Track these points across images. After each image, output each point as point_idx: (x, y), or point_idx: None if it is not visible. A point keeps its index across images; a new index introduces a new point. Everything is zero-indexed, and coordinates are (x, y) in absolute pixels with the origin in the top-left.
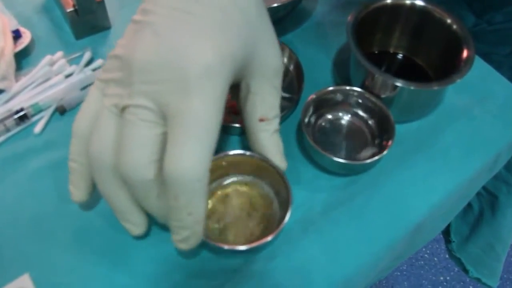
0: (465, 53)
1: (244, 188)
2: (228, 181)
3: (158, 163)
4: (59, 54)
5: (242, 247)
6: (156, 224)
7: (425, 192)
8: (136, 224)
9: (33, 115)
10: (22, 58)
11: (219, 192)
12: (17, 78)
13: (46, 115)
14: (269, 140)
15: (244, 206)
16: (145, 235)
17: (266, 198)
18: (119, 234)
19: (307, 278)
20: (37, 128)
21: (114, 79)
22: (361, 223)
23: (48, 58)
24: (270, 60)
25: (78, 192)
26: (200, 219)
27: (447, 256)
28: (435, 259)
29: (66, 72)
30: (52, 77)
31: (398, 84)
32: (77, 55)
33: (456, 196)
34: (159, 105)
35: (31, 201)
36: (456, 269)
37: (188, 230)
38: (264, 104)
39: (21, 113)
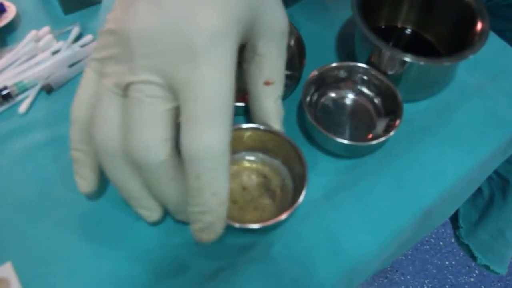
0: (479, 26)
1: (255, 165)
2: (238, 156)
3: (170, 141)
4: (46, 29)
5: (255, 226)
6: None
7: (434, 176)
8: (152, 209)
9: (17, 94)
10: (6, 34)
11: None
12: (0, 56)
13: (31, 94)
14: (273, 106)
15: (256, 183)
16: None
17: (279, 175)
18: (107, 221)
19: (308, 267)
20: (22, 108)
21: (111, 56)
22: (365, 209)
23: (33, 33)
24: (277, 21)
25: (85, 182)
26: (225, 199)
27: (452, 240)
28: (441, 243)
29: (53, 48)
30: (38, 53)
31: (407, 59)
32: (64, 30)
33: (467, 180)
34: (166, 78)
35: (14, 186)
36: (461, 253)
37: (212, 214)
38: (271, 67)
39: (5, 92)
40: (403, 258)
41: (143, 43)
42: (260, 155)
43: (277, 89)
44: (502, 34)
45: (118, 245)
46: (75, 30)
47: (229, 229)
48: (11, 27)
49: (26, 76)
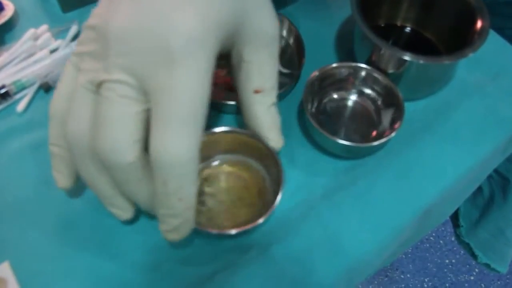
0: (479, 24)
1: (233, 169)
2: (216, 161)
3: (139, 143)
4: (44, 27)
5: (232, 231)
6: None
7: (434, 175)
8: (123, 208)
9: (15, 93)
10: (4, 33)
11: (206, 173)
12: None
13: (29, 92)
14: (266, 114)
15: (234, 187)
16: (133, 219)
17: (258, 179)
18: (104, 220)
19: (307, 267)
20: (20, 107)
21: (89, 52)
22: (365, 208)
23: (31, 31)
24: (264, 25)
25: (62, 178)
26: (191, 204)
27: (452, 239)
28: (441, 241)
29: (51, 47)
30: (36, 52)
31: (407, 58)
32: (63, 28)
33: (467, 179)
34: (139, 80)
35: (11, 185)
36: (461, 252)
37: (179, 218)
38: (260, 74)
39: (3, 91)
40: (403, 256)
41: (120, 41)
42: (239, 158)
43: (269, 96)
44: (501, 32)
45: (116, 246)
46: (74, 28)
47: (208, 235)
48: (9, 25)
49: (24, 75)
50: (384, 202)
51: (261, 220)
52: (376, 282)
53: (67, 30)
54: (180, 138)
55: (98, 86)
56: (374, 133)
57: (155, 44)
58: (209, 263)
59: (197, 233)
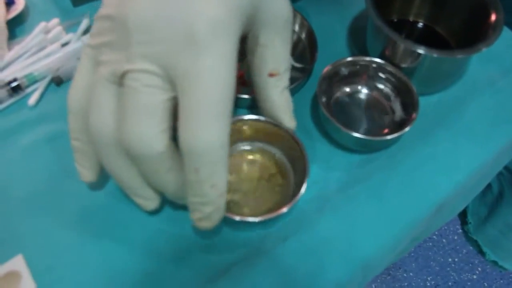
0: (493, 18)
1: (256, 157)
2: (240, 148)
3: (167, 132)
4: (55, 21)
5: (255, 219)
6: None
7: (448, 169)
8: (149, 198)
9: (27, 86)
10: (15, 27)
11: (231, 160)
12: (10, 47)
13: (41, 86)
14: (280, 97)
15: (256, 176)
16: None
17: (281, 168)
18: (119, 212)
19: (322, 261)
20: (32, 100)
21: (107, 43)
22: (380, 202)
23: (43, 25)
24: (279, 10)
25: (86, 171)
26: (223, 191)
27: (455, 237)
28: (444, 240)
29: (63, 40)
30: (48, 45)
31: (420, 51)
32: (74, 22)
33: (480, 174)
34: (164, 68)
35: (24, 178)
36: (464, 251)
37: (211, 205)
38: (275, 57)
39: (14, 84)
40: (406, 255)
41: (141, 30)
42: (261, 146)
43: (283, 79)
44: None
45: (129, 238)
46: (85, 22)
47: (230, 222)
48: (20, 19)
49: (36, 68)
50: (399, 196)
51: (285, 209)
52: (379, 281)
53: (78, 24)
54: (210, 124)
55: (121, 77)
56: (389, 126)
57: (178, 31)
58: (226, 254)
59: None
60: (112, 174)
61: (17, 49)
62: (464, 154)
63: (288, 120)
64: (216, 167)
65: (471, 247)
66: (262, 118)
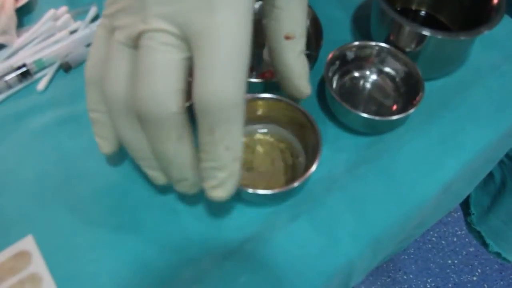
0: (494, 2)
1: (268, 136)
2: (252, 128)
3: (182, 93)
4: (63, 8)
5: (267, 191)
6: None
7: (455, 150)
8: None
9: (36, 72)
10: (24, 15)
11: (244, 140)
12: (19, 35)
13: (49, 72)
14: (296, 61)
15: (268, 155)
16: (159, 191)
17: (293, 148)
18: (127, 194)
19: (333, 238)
20: (41, 86)
21: (122, 8)
22: (388, 181)
23: (51, 12)
24: None
25: (105, 143)
26: (239, 154)
27: (455, 239)
28: (443, 242)
29: (71, 28)
30: (56, 33)
31: (426, 33)
32: (82, 10)
33: (486, 154)
34: (179, 27)
35: (34, 161)
36: (464, 252)
37: (225, 170)
38: (291, 20)
39: (23, 69)
40: (406, 257)
41: None
42: (272, 126)
43: (299, 43)
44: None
45: (139, 219)
46: (93, 10)
47: (242, 195)
48: (28, 8)
49: (44, 54)
50: (407, 175)
51: (296, 184)
52: (379, 283)
53: (86, 12)
54: (226, 80)
55: (137, 39)
56: (394, 109)
57: None
58: (237, 233)
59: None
60: (126, 143)
61: (26, 35)
62: (470, 135)
63: (304, 86)
64: (231, 127)
65: (470, 249)
66: (275, 96)
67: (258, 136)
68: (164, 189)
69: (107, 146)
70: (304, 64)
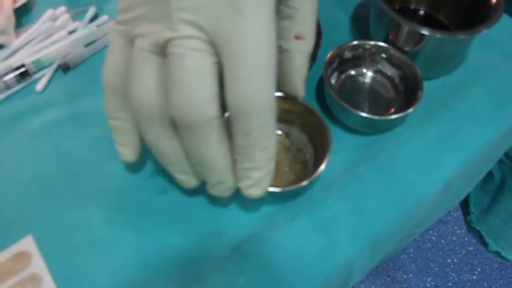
0: (493, 1)
1: (278, 135)
2: None
3: (217, 98)
4: (62, 8)
5: (275, 189)
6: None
7: (454, 148)
8: (192, 173)
9: (34, 72)
10: (22, 15)
11: None
12: (17, 35)
13: (48, 72)
14: (300, 61)
15: (278, 154)
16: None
17: (302, 146)
18: (127, 194)
19: (332, 237)
20: (39, 86)
21: (142, 15)
22: (387, 180)
23: (50, 12)
24: None
25: (127, 150)
26: (273, 154)
27: (454, 238)
28: (442, 241)
29: (70, 28)
30: (55, 33)
31: (425, 32)
32: (80, 10)
33: (485, 153)
34: (207, 33)
35: (32, 161)
36: (463, 251)
37: (261, 170)
38: (302, 20)
39: (22, 70)
40: (405, 256)
41: None
42: (283, 124)
43: (308, 44)
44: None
45: (138, 218)
46: (91, 10)
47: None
48: (27, 8)
49: (43, 54)
50: (406, 174)
51: (305, 183)
52: (378, 282)
53: (84, 12)
54: (259, 86)
55: (164, 46)
56: (393, 109)
57: None
58: (236, 232)
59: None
60: (156, 151)
61: (24, 36)
62: (469, 134)
63: (300, 87)
64: (265, 129)
65: (470, 248)
66: (280, 94)
67: None
68: (163, 190)
69: (128, 154)
70: (306, 67)
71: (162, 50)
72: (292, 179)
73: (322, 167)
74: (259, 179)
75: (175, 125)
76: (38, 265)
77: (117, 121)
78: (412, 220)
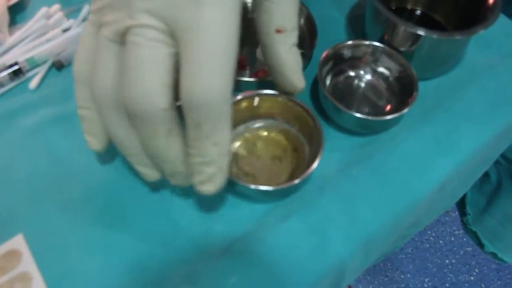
0: (490, 2)
1: (271, 134)
2: (256, 124)
3: (170, 89)
4: (56, 6)
5: (269, 188)
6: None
7: (449, 149)
8: (151, 166)
9: (28, 70)
10: (16, 13)
11: (246, 136)
12: (11, 33)
13: (42, 70)
14: (288, 54)
15: (271, 153)
16: (146, 191)
17: (295, 145)
18: (119, 193)
19: (324, 238)
20: (33, 84)
21: (108, 4)
22: (381, 181)
23: (44, 10)
24: None
25: (95, 140)
26: (226, 150)
27: (452, 239)
28: (441, 242)
29: (64, 26)
30: (49, 31)
31: (421, 33)
32: (75, 8)
33: (480, 155)
34: (166, 22)
35: (25, 160)
36: (461, 252)
37: (213, 165)
38: (281, 13)
39: (15, 67)
40: (403, 256)
41: None
42: (276, 123)
43: (291, 36)
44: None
45: (129, 218)
46: (86, 8)
47: (244, 191)
48: (21, 6)
49: (37, 52)
50: (400, 175)
51: (297, 181)
52: (376, 282)
53: (78, 10)
54: (213, 76)
55: (123, 35)
56: (388, 109)
57: None
58: (228, 232)
59: (234, 188)
60: (115, 140)
61: (18, 33)
62: (465, 134)
63: (297, 79)
64: (218, 122)
65: (468, 249)
66: (276, 93)
67: (260, 133)
68: (155, 188)
69: (96, 143)
70: (297, 58)
71: (123, 39)
72: (287, 179)
73: (315, 165)
74: (211, 175)
75: (128, 115)
76: (28, 264)
77: (85, 110)
78: (406, 221)
